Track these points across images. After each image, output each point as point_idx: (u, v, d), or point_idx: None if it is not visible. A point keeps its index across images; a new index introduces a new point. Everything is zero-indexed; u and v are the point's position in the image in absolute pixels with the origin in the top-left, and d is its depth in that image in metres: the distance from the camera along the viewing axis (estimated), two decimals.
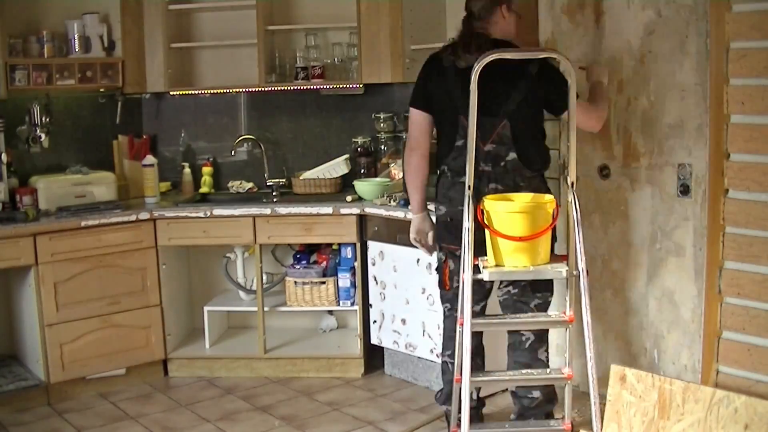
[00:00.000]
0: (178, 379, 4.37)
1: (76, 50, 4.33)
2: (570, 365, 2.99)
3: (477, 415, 3.47)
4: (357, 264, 4.28)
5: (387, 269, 4.13)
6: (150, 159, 4.51)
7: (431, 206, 3.42)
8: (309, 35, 4.55)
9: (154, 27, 4.51)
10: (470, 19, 3.25)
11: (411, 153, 3.37)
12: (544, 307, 3.28)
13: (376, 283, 4.21)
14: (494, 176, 3.17)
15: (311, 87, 4.57)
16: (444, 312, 3.42)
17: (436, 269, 3.38)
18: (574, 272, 2.86)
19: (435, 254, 3.43)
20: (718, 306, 3.24)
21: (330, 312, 4.68)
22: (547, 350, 3.35)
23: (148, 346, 4.28)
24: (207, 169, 4.81)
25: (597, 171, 3.75)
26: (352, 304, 4.36)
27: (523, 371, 3.20)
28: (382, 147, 4.66)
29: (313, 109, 4.78)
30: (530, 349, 3.28)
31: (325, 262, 4.44)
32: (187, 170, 4.80)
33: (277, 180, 4.62)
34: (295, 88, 4.59)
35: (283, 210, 4.24)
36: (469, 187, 2.87)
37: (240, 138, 4.70)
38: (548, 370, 3.26)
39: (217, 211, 4.26)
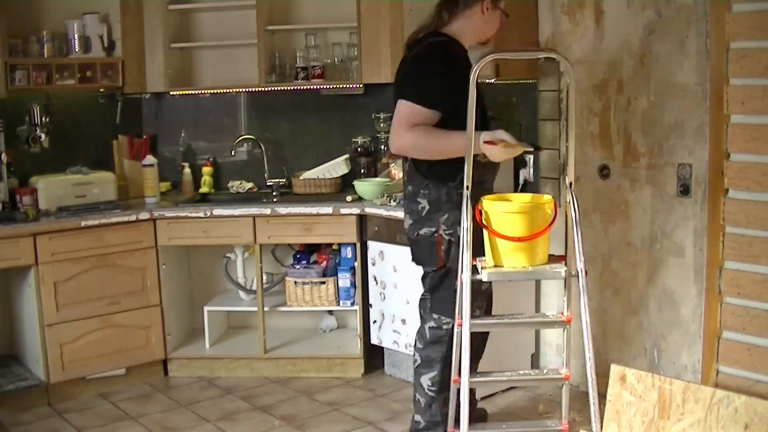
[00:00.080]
0: (178, 379, 4.37)
1: (76, 50, 4.33)
2: (567, 365, 2.99)
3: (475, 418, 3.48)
4: (357, 264, 4.28)
5: (387, 269, 4.13)
6: (150, 159, 4.51)
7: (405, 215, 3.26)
8: (309, 35, 4.55)
9: (154, 27, 4.51)
10: (443, 6, 3.12)
11: (410, 128, 2.97)
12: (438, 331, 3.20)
13: (376, 283, 4.21)
14: (405, 181, 3.19)
15: (311, 87, 4.57)
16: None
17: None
18: (573, 272, 2.86)
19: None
20: (718, 306, 3.24)
21: (330, 312, 4.68)
22: (433, 379, 3.18)
23: (148, 346, 4.28)
24: (207, 169, 4.81)
25: (597, 171, 3.75)
26: (352, 304, 4.36)
27: (521, 372, 3.20)
28: (382, 147, 4.65)
29: (313, 109, 4.78)
30: (416, 373, 3.24)
31: (325, 262, 4.43)
32: (187, 170, 4.80)
33: (277, 180, 4.62)
34: (295, 88, 4.59)
35: (283, 210, 4.24)
36: (467, 187, 2.87)
37: (240, 138, 4.70)
38: (545, 371, 3.26)
39: (217, 211, 4.26)
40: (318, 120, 4.78)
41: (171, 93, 4.71)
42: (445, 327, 3.16)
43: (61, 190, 4.21)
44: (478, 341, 3.32)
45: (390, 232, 4.06)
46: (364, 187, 4.36)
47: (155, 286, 4.28)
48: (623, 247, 3.69)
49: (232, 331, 4.77)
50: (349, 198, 4.31)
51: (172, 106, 4.86)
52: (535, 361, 4.15)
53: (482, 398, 3.72)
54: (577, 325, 2.89)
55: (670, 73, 3.42)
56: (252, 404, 3.99)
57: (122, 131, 4.71)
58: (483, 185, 3.08)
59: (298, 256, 4.54)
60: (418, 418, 3.26)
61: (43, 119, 4.30)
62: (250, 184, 4.76)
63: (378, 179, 4.48)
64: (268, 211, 4.23)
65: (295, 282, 4.40)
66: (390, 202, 4.12)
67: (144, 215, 4.21)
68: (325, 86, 4.57)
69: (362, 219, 4.20)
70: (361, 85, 4.52)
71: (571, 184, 2.90)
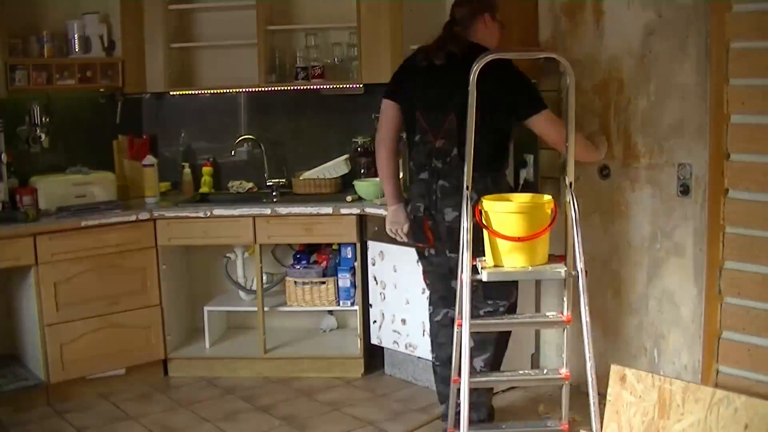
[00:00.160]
0: (178, 379, 4.37)
1: (76, 50, 4.33)
2: (567, 365, 2.99)
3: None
4: (357, 264, 4.28)
5: (387, 269, 4.13)
6: (150, 159, 4.51)
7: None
8: (309, 35, 4.55)
9: (154, 27, 4.51)
10: (451, 24, 3.32)
11: (378, 145, 3.49)
12: (493, 315, 3.27)
13: (376, 283, 4.21)
14: (443, 173, 3.21)
15: (311, 87, 4.57)
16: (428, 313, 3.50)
17: None
18: (573, 272, 2.86)
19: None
20: (718, 306, 3.23)
21: (330, 312, 4.68)
22: (486, 360, 3.32)
23: (148, 346, 4.28)
24: (207, 169, 4.81)
25: (597, 171, 3.75)
26: (352, 304, 4.36)
27: (521, 372, 3.20)
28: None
29: (313, 109, 4.78)
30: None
31: (325, 262, 4.43)
32: (187, 170, 4.80)
33: (277, 180, 4.62)
34: (295, 88, 4.59)
35: (283, 210, 4.23)
36: (467, 187, 2.87)
37: (240, 138, 4.70)
38: (545, 371, 3.26)
39: (217, 211, 4.25)
40: (318, 120, 4.78)
41: (171, 93, 4.71)
42: (501, 309, 3.29)
43: (61, 190, 4.21)
44: (504, 339, 3.43)
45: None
46: (364, 187, 4.36)
47: (155, 286, 4.28)
48: (623, 247, 3.69)
49: (232, 331, 4.76)
50: (349, 198, 4.31)
51: (172, 106, 4.86)
52: (535, 361, 4.15)
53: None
54: (577, 325, 2.89)
55: (670, 73, 3.41)
56: (252, 404, 3.99)
57: (122, 131, 4.70)
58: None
59: (298, 256, 4.53)
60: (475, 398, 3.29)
61: (43, 119, 4.30)
62: (250, 184, 4.76)
63: (378, 179, 4.47)
64: (268, 211, 4.23)
65: (295, 282, 4.40)
66: None
67: (144, 215, 4.21)
68: (325, 86, 4.57)
69: (362, 219, 4.20)
70: (361, 85, 4.51)
71: (571, 184, 2.90)
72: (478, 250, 2.98)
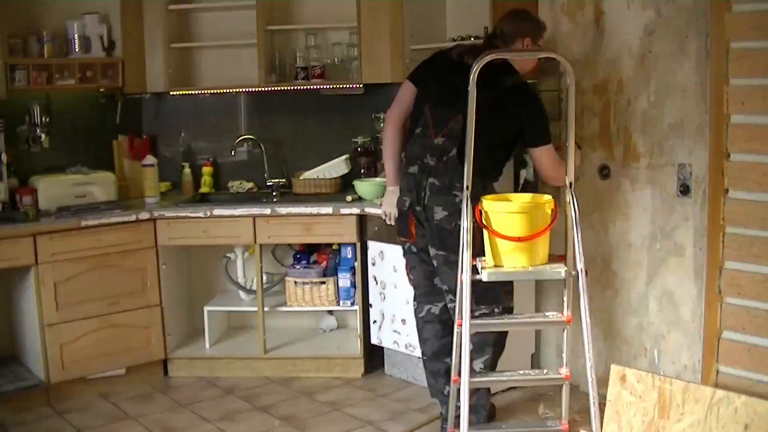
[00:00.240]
0: (178, 379, 4.37)
1: (76, 50, 4.33)
2: (567, 366, 2.99)
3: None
4: (357, 264, 4.28)
5: (387, 269, 4.13)
6: (150, 159, 4.50)
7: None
8: (309, 35, 4.55)
9: (154, 27, 4.51)
10: (492, 37, 3.37)
11: (386, 121, 3.52)
12: (488, 318, 3.25)
13: (376, 283, 4.21)
14: (435, 171, 3.22)
15: (311, 87, 4.57)
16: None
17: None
18: (573, 272, 2.86)
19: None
20: (718, 306, 3.24)
21: (330, 312, 4.68)
22: (486, 362, 3.33)
23: (148, 346, 4.28)
24: (207, 169, 4.81)
25: (597, 171, 3.75)
26: (352, 304, 4.36)
27: (521, 372, 3.20)
28: (382, 147, 4.65)
29: (313, 109, 4.78)
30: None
31: (325, 262, 4.43)
32: (187, 170, 4.80)
33: (277, 180, 4.62)
34: (295, 88, 4.59)
35: (283, 210, 4.24)
36: (467, 187, 2.87)
37: (240, 138, 4.70)
38: (545, 371, 3.26)
39: (217, 211, 4.25)
40: (318, 120, 4.78)
41: (171, 93, 4.71)
42: (496, 311, 3.28)
43: (61, 190, 4.21)
44: (502, 340, 3.44)
45: (390, 232, 4.05)
46: (364, 187, 4.36)
47: (155, 286, 4.28)
48: (623, 247, 3.69)
49: (232, 331, 4.76)
50: (349, 198, 4.31)
51: (172, 106, 4.86)
52: (535, 361, 4.15)
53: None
54: (577, 325, 2.89)
55: (670, 73, 3.41)
56: (252, 404, 3.99)
57: (122, 131, 4.70)
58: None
59: (298, 256, 4.53)
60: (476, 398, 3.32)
61: (43, 119, 4.30)
62: (250, 184, 4.76)
63: (378, 179, 4.47)
64: (268, 211, 4.23)
65: (295, 282, 4.40)
66: None
67: (144, 215, 4.21)
68: (325, 86, 4.57)
69: (362, 219, 4.20)
70: (361, 85, 4.51)
71: (571, 184, 2.90)
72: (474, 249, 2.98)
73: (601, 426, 2.82)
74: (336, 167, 4.58)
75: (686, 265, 3.43)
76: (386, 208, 3.55)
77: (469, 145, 2.87)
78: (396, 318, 4.13)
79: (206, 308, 4.51)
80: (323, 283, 4.37)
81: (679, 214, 3.45)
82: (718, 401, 2.61)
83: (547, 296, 4.06)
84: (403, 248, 3.49)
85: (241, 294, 4.62)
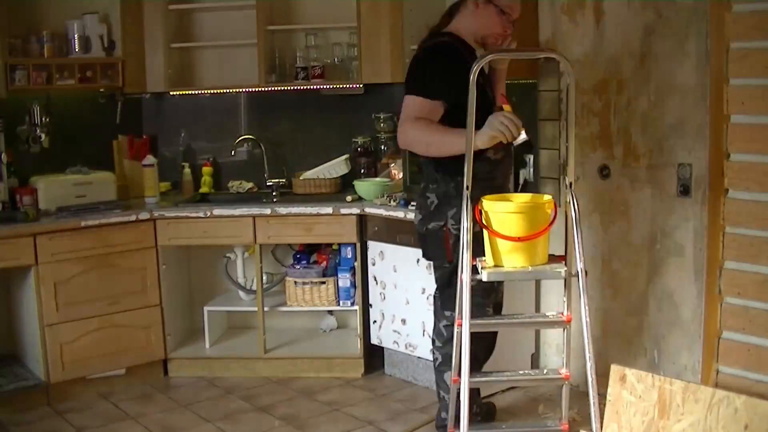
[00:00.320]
0: (178, 379, 4.37)
1: (76, 50, 4.33)
2: (567, 366, 2.99)
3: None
4: (357, 264, 4.28)
5: (387, 269, 4.13)
6: (150, 159, 4.51)
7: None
8: (309, 35, 4.55)
9: (154, 27, 4.51)
10: (448, 13, 3.21)
11: (414, 123, 3.00)
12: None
13: (376, 283, 4.21)
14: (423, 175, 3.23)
15: (311, 87, 4.57)
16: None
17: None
18: (573, 272, 2.86)
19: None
20: (718, 306, 3.24)
21: (330, 312, 4.68)
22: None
23: (148, 346, 4.28)
24: (207, 169, 4.81)
25: (597, 171, 3.75)
26: (352, 304, 4.36)
27: (521, 372, 3.20)
28: (382, 147, 4.65)
29: (313, 109, 4.78)
30: (438, 371, 3.32)
31: (325, 262, 4.43)
32: (187, 170, 4.80)
33: (277, 180, 4.62)
34: (295, 88, 4.59)
35: (283, 210, 4.24)
36: (467, 187, 2.86)
37: (240, 138, 4.70)
38: (545, 371, 3.26)
39: (217, 211, 4.25)
40: (318, 120, 4.78)
41: (171, 93, 4.71)
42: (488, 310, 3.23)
43: (61, 190, 4.21)
44: (489, 340, 3.38)
45: (390, 232, 4.06)
46: (364, 187, 4.36)
47: (155, 286, 4.28)
48: (623, 247, 3.69)
49: (232, 331, 4.76)
50: (349, 198, 4.31)
51: (172, 106, 4.86)
52: (535, 361, 4.15)
53: (483, 398, 3.71)
54: (577, 325, 2.89)
55: (670, 73, 3.41)
56: (252, 404, 3.99)
57: (122, 131, 4.71)
58: (492, 182, 3.11)
59: (298, 256, 4.53)
60: (444, 414, 3.28)
61: (43, 119, 4.30)
62: (250, 184, 4.76)
63: (378, 179, 4.48)
64: (268, 211, 4.23)
65: (295, 282, 4.40)
66: (390, 202, 4.12)
67: (144, 215, 4.21)
68: (325, 86, 4.57)
69: (362, 219, 4.20)
70: (361, 85, 4.52)
71: (571, 184, 2.90)
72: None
73: (601, 426, 2.82)
74: (336, 167, 4.58)
75: (686, 265, 3.43)
76: (495, 130, 2.80)
77: (469, 145, 2.86)
78: (396, 318, 4.13)
79: (206, 308, 4.51)
80: (323, 283, 4.37)
81: (679, 214, 3.45)
82: (718, 401, 2.60)
83: (547, 296, 4.07)
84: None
85: (241, 294, 4.62)
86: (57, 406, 4.00)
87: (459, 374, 2.87)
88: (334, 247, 4.47)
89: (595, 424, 2.77)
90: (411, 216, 3.86)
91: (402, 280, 4.06)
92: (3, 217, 3.91)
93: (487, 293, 3.18)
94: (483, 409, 3.56)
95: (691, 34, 3.31)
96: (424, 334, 3.98)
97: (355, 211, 4.18)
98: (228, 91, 4.72)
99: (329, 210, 4.19)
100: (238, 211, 4.25)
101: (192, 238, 4.31)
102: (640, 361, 3.63)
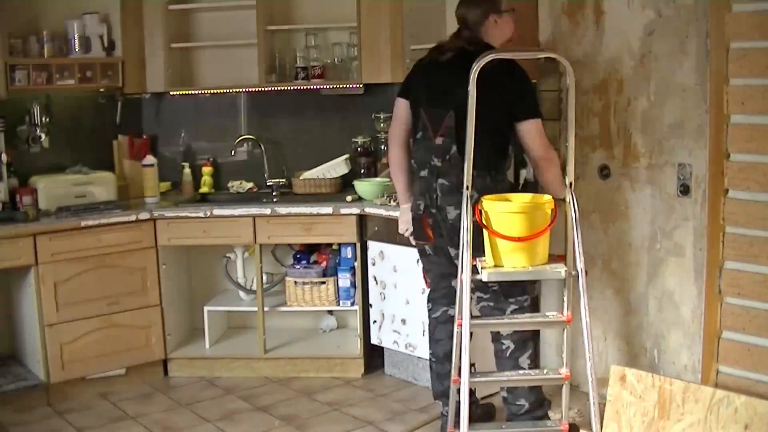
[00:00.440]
0: (178, 379, 4.37)
1: (76, 50, 4.33)
2: (567, 365, 2.99)
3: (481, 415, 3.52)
4: (357, 264, 4.28)
5: (387, 269, 4.13)
6: (150, 159, 4.51)
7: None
8: (309, 35, 4.55)
9: (154, 27, 4.51)
10: (462, 29, 3.32)
11: (389, 143, 3.50)
12: (521, 311, 3.26)
13: (376, 283, 4.21)
14: (442, 171, 3.21)
15: (311, 87, 4.57)
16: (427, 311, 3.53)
17: None
18: (573, 272, 2.86)
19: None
20: (718, 306, 3.24)
21: (330, 312, 4.68)
22: (530, 357, 3.32)
23: (148, 346, 4.28)
24: (207, 169, 4.81)
25: (597, 171, 3.75)
26: (352, 304, 4.36)
27: (521, 372, 3.20)
28: (382, 147, 4.65)
29: (313, 109, 4.78)
30: (511, 358, 3.28)
31: (325, 262, 4.43)
32: (187, 170, 4.80)
33: (277, 180, 4.62)
34: (295, 88, 4.59)
35: (283, 210, 4.23)
36: (467, 187, 2.87)
37: (240, 138, 4.70)
38: (545, 371, 3.26)
39: (217, 211, 4.26)
40: (318, 120, 4.78)
41: (171, 93, 4.71)
42: (526, 304, 3.28)
43: (61, 190, 4.22)
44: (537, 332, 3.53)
45: (390, 232, 4.06)
46: (364, 187, 4.36)
47: (155, 286, 4.28)
48: (623, 247, 3.68)
49: (232, 331, 4.76)
50: (349, 198, 4.31)
51: (172, 106, 4.86)
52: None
53: (482, 398, 3.72)
54: (577, 325, 2.89)
55: (670, 73, 3.41)
56: (252, 404, 3.99)
57: (122, 131, 4.71)
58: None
59: (298, 256, 4.53)
60: (521, 401, 3.28)
61: (43, 119, 4.30)
62: (250, 184, 4.76)
63: (378, 179, 4.48)
64: (268, 211, 4.23)
65: (295, 282, 4.40)
66: (390, 202, 4.12)
67: (144, 215, 4.21)
68: (325, 86, 4.57)
69: (362, 219, 4.20)
70: (361, 85, 4.52)
71: (571, 184, 2.90)
72: (479, 250, 2.98)
73: (601, 426, 2.82)
74: (336, 167, 4.58)
75: (686, 265, 3.43)
76: (403, 226, 3.51)
77: (469, 145, 2.87)
78: (396, 318, 4.13)
79: (206, 308, 4.51)
80: (323, 283, 4.37)
81: (679, 214, 3.45)
82: (718, 401, 2.61)
83: (547, 296, 4.06)
84: (420, 252, 3.48)
85: (241, 294, 4.62)
86: (57, 406, 4.00)
87: (459, 374, 2.87)
88: (334, 247, 4.47)
89: (595, 424, 2.78)
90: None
91: (402, 280, 4.06)
92: (3, 217, 3.92)
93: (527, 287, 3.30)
94: (482, 410, 3.57)
95: (691, 34, 3.31)
96: (424, 334, 3.97)
97: (355, 211, 4.18)
98: (228, 91, 4.72)
99: (329, 210, 4.19)
100: (238, 211, 4.25)
101: (192, 238, 4.31)
102: (640, 361, 3.63)
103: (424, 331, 3.97)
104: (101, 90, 4.53)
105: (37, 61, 4.18)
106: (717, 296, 3.23)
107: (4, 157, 4.05)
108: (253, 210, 4.25)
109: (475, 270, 2.90)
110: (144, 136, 4.77)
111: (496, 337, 3.32)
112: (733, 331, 3.19)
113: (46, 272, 3.92)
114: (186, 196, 4.67)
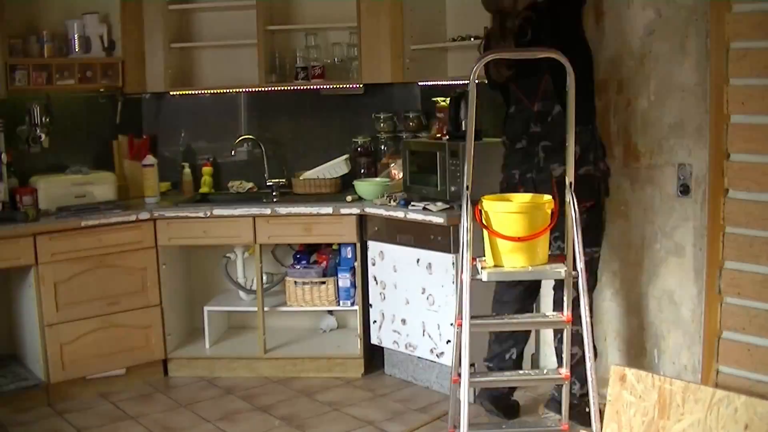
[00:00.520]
0: (178, 379, 4.37)
1: (76, 50, 4.33)
2: (567, 366, 2.99)
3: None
4: (357, 264, 4.28)
5: (387, 269, 4.13)
6: (150, 159, 4.51)
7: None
8: (309, 35, 4.55)
9: (154, 27, 4.51)
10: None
11: None
12: (592, 264, 3.40)
13: (376, 283, 4.21)
14: (544, 134, 3.30)
15: (311, 87, 4.57)
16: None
17: None
18: (573, 272, 2.86)
19: None
20: (718, 306, 3.24)
21: (330, 312, 4.68)
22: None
23: (148, 346, 4.28)
24: (207, 169, 4.81)
25: None
26: (352, 304, 4.36)
27: (521, 372, 3.20)
28: (382, 147, 4.66)
29: (313, 109, 4.78)
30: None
31: (325, 262, 4.43)
32: (187, 170, 4.80)
33: (277, 180, 4.62)
34: (295, 88, 4.60)
35: (283, 210, 4.24)
36: (467, 187, 2.87)
37: (240, 138, 4.70)
38: (545, 371, 3.26)
39: (217, 211, 4.25)
40: (318, 120, 4.78)
41: (171, 93, 4.71)
42: (595, 256, 3.43)
43: (61, 190, 4.22)
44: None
45: (390, 232, 4.06)
46: (364, 187, 4.36)
47: (155, 286, 4.28)
48: (623, 247, 3.68)
49: (232, 331, 4.76)
50: (349, 198, 4.31)
51: (172, 106, 4.86)
52: (535, 361, 4.14)
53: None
54: (578, 325, 2.88)
55: (670, 73, 3.42)
56: (252, 404, 3.99)
57: (122, 131, 4.71)
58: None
59: (298, 256, 4.53)
60: (575, 350, 3.24)
61: (43, 119, 4.30)
62: (250, 184, 4.76)
63: (378, 179, 4.48)
64: (268, 211, 4.23)
65: (295, 282, 4.40)
66: (390, 202, 4.12)
67: (144, 215, 4.21)
68: (325, 86, 4.57)
69: (362, 219, 4.20)
70: (361, 85, 4.52)
71: (571, 184, 2.90)
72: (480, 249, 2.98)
73: (601, 426, 2.82)
74: (336, 167, 4.58)
75: (686, 265, 3.43)
76: None
77: (469, 144, 2.87)
78: (396, 318, 4.13)
79: (206, 308, 4.51)
80: (323, 283, 4.37)
81: (679, 214, 3.45)
82: (718, 401, 2.60)
83: (547, 296, 4.06)
84: None
85: (241, 294, 4.62)
86: (57, 406, 4.00)
87: (459, 374, 2.87)
88: (334, 247, 4.47)
89: (595, 424, 2.77)
90: (411, 216, 3.87)
91: (402, 280, 4.06)
92: (3, 217, 3.91)
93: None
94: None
95: (691, 34, 3.31)
96: (424, 334, 3.98)
97: (355, 211, 4.18)
98: (228, 91, 4.72)
99: (329, 210, 4.19)
100: (238, 211, 4.25)
101: (192, 238, 4.31)
102: (640, 361, 3.63)
103: (424, 331, 3.98)
104: (101, 90, 4.53)
105: (37, 61, 4.18)
106: (717, 296, 3.23)
107: (4, 157, 4.05)
108: (253, 210, 4.25)
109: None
110: (144, 136, 4.77)
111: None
112: (733, 331, 3.20)
113: (46, 272, 3.92)
114: (186, 196, 4.67)
